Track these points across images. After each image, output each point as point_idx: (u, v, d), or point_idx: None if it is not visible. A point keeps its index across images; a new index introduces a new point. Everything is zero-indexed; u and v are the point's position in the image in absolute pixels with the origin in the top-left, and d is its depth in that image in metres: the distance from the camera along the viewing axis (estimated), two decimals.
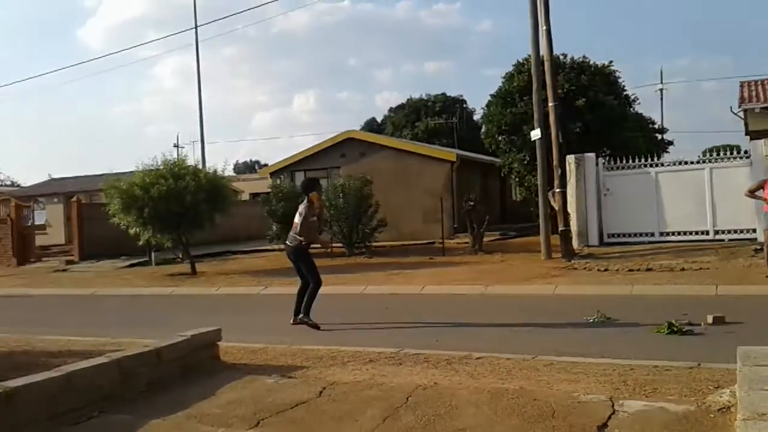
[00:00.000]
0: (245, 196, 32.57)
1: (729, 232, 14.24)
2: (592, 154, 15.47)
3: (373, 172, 18.89)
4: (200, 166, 18.55)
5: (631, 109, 21.53)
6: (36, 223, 25.70)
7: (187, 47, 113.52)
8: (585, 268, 11.99)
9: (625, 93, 21.08)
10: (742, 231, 14.08)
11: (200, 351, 5.44)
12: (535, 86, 14.49)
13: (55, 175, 37.71)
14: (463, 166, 22.14)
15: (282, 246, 18.11)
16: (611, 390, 4.36)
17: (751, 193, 10.80)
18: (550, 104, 13.98)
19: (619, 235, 15.21)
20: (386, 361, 5.62)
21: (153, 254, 18.77)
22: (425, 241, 19.29)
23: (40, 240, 24.23)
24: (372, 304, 10.01)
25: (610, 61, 20.76)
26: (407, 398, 4.33)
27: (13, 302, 13.90)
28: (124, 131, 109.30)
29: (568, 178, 14.67)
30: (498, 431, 3.65)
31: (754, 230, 13.49)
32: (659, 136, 24.41)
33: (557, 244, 13.66)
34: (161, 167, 15.82)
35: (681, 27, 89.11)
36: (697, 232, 14.52)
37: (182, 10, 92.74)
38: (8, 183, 49.83)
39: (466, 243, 17.03)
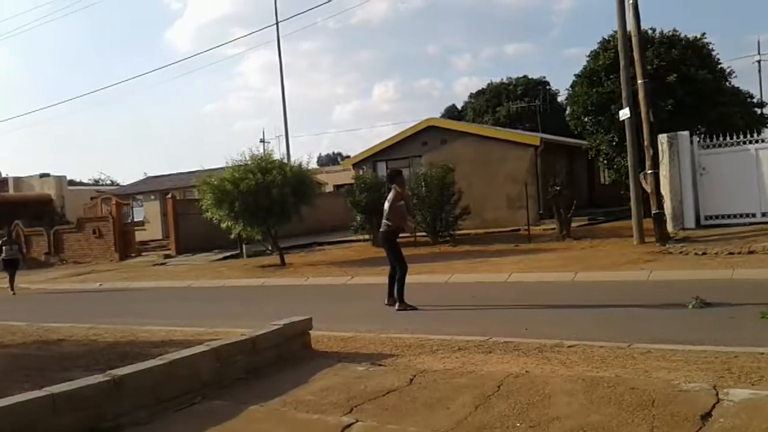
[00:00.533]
0: (329, 188, 33.19)
1: None
2: (686, 132, 14.73)
3: (455, 160, 18.78)
4: (286, 160, 19.06)
5: (727, 83, 20.36)
6: (135, 219, 27.26)
7: (268, 44, 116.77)
8: (681, 252, 11.44)
9: (719, 66, 19.99)
10: None
11: (293, 340, 5.59)
12: (622, 63, 13.91)
13: (151, 174, 39.60)
14: (548, 149, 21.61)
15: (367, 236, 18.55)
16: (715, 378, 4.15)
17: None
18: (639, 81, 13.43)
19: (716, 217, 14.49)
20: (475, 350, 5.59)
21: (244, 247, 19.51)
22: (510, 229, 19.05)
23: (139, 236, 25.66)
24: (458, 293, 9.97)
25: (703, 34, 20.05)
26: (499, 386, 4.28)
27: (114, 295, 14.81)
28: (212, 128, 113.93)
29: (660, 159, 14.07)
30: (594, 420, 3.53)
31: None
32: (758, 111, 22.88)
33: (650, 228, 13.11)
34: (249, 162, 16.39)
35: None
36: None
37: (264, 6, 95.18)
38: (108, 182, 52.90)
39: (553, 229, 16.65)
